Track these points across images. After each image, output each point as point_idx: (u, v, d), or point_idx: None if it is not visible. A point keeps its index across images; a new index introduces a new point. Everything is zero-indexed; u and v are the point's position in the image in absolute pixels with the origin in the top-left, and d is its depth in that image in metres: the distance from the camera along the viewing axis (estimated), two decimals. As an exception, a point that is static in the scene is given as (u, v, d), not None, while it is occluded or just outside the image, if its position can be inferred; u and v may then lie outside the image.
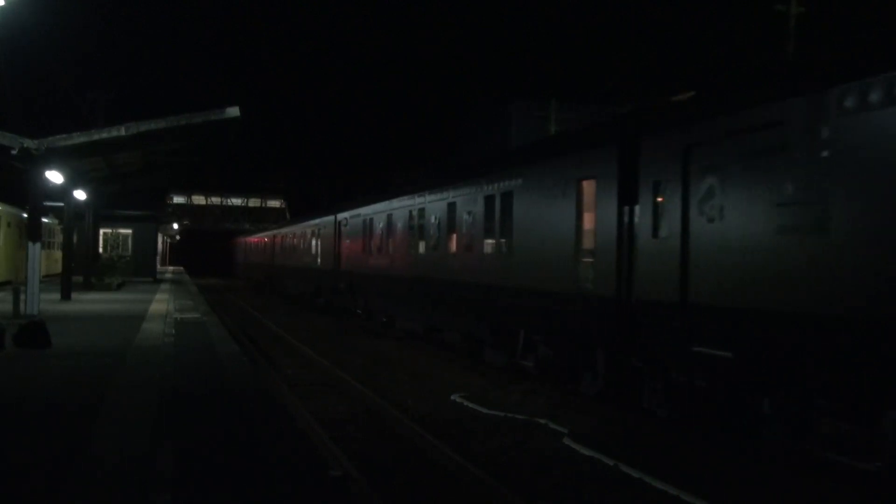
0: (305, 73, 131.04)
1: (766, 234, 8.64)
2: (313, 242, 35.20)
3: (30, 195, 19.25)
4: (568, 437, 10.40)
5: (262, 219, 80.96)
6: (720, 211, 9.41)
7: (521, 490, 8.10)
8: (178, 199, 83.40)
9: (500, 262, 15.54)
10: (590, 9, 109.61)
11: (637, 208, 11.18)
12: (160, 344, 14.20)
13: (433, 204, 19.39)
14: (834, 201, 7.81)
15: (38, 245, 18.85)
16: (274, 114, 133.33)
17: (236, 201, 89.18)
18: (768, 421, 8.94)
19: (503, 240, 15.41)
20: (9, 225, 32.99)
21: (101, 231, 37.89)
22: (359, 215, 26.97)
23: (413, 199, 21.09)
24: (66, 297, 24.85)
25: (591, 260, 12.33)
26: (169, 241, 77.11)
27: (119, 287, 32.75)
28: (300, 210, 64.60)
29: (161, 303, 25.08)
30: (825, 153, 7.95)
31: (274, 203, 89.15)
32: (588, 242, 12.48)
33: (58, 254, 34.54)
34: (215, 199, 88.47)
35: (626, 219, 11.41)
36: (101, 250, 37.39)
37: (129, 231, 43.00)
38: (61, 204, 27.83)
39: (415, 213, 20.77)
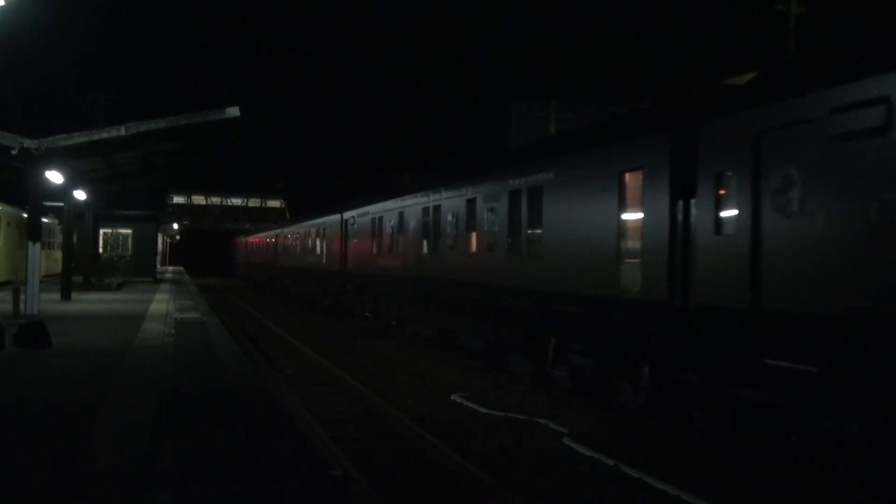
0: (305, 73, 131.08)
1: (863, 231, 7.55)
2: (318, 242, 34.39)
3: (30, 195, 19.26)
4: (568, 437, 10.40)
5: (262, 219, 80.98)
6: (801, 205, 8.28)
7: (521, 490, 8.10)
8: (178, 199, 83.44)
9: (527, 264, 14.33)
10: (590, 9, 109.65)
11: (694, 202, 10.00)
12: (160, 344, 14.20)
13: (450, 201, 18.26)
14: None
15: (38, 245, 18.85)
16: (274, 114, 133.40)
17: (236, 201, 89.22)
18: (857, 446, 7.94)
19: (531, 239, 14.22)
20: (9, 225, 33.00)
21: (101, 231, 37.89)
22: (367, 214, 25.97)
23: (427, 196, 19.95)
24: (66, 297, 24.85)
25: (636, 261, 11.14)
26: (169, 241, 77.13)
27: (119, 287, 32.75)
28: (300, 210, 64.59)
29: (161, 303, 25.08)
30: None
31: (274, 203, 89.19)
32: (633, 241, 11.34)
33: (58, 254, 34.54)
34: (215, 199, 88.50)
35: (680, 214, 10.25)
36: (101, 250, 37.39)
37: (129, 231, 43.01)
38: (61, 204, 27.84)
39: (429, 211, 19.62)
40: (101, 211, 34.75)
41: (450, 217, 18.25)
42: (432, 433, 10.41)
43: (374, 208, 25.04)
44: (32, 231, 19.16)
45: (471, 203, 16.96)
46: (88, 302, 24.38)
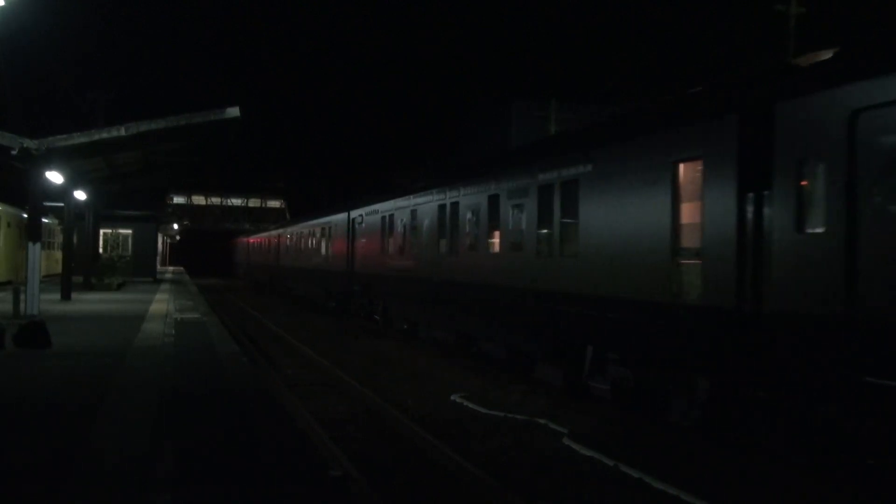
0: (305, 73, 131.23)
1: None
2: (323, 242, 33.32)
3: (30, 195, 19.26)
4: (568, 437, 10.39)
5: (262, 219, 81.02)
6: None
7: (521, 490, 8.10)
8: (178, 199, 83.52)
9: (559, 265, 13.17)
10: (590, 9, 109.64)
11: (769, 195, 8.77)
12: (160, 344, 14.20)
13: (470, 197, 17.07)
14: None
15: (38, 245, 18.85)
16: (274, 114, 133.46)
17: (236, 201, 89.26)
18: None
19: (564, 238, 13.10)
20: (9, 225, 33.01)
21: (102, 231, 37.89)
22: (376, 212, 24.79)
23: (444, 192, 18.73)
24: (66, 297, 24.85)
25: (694, 262, 9.94)
26: (169, 241, 77.13)
27: (119, 287, 32.75)
28: (301, 210, 64.55)
29: (161, 303, 25.07)
30: None
31: (274, 203, 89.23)
32: (689, 240, 10.10)
33: (58, 254, 34.55)
34: (215, 200, 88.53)
35: (750, 209, 9.03)
36: (101, 250, 37.39)
37: (129, 231, 43.02)
38: (61, 204, 27.85)
39: (446, 208, 18.42)
40: (101, 211, 34.75)
41: (469, 215, 17.18)
42: (432, 433, 10.41)
43: (385, 206, 23.94)
44: (32, 231, 19.16)
45: (493, 199, 15.83)
46: (88, 302, 24.38)
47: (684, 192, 10.27)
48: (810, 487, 8.18)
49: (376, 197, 25.94)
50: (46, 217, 32.58)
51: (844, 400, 7.80)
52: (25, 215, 27.42)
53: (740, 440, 9.39)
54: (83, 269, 31.80)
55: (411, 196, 21.33)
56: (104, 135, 18.90)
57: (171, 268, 70.70)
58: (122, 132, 18.47)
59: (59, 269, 29.76)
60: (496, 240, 15.98)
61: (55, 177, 20.59)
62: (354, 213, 27.78)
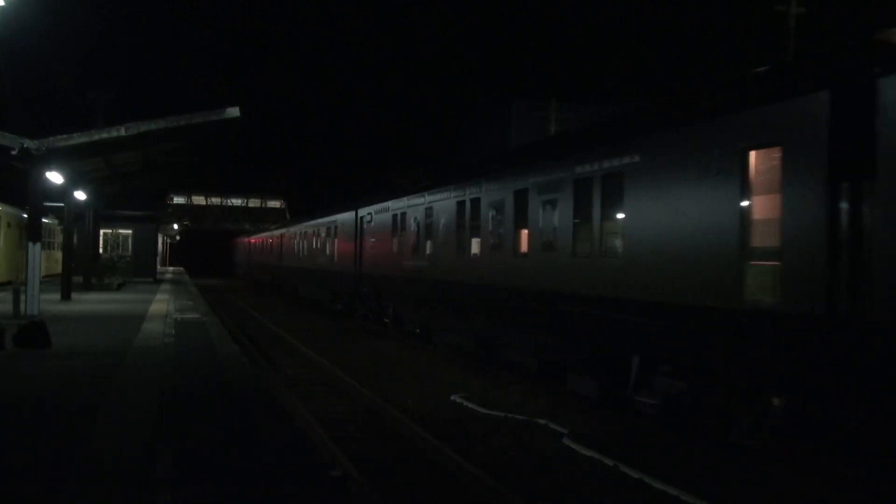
0: (305, 73, 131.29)
1: None
2: (329, 242, 32.01)
3: (30, 195, 19.26)
4: (568, 437, 10.39)
5: (262, 219, 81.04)
6: None
7: (521, 490, 8.10)
8: (178, 200, 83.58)
9: (600, 266, 11.95)
10: (590, 9, 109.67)
11: (869, 185, 7.67)
12: (160, 344, 14.20)
13: (493, 193, 15.88)
14: None
15: (38, 245, 18.86)
16: (274, 114, 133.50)
17: (236, 201, 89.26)
18: None
19: (606, 237, 12.01)
20: (9, 225, 33.01)
21: (102, 231, 37.89)
22: (387, 210, 23.54)
23: (463, 189, 17.50)
24: (66, 297, 24.85)
25: (769, 263, 8.77)
26: (169, 241, 77.15)
27: (119, 287, 32.76)
28: (300, 210, 64.54)
29: (161, 303, 25.08)
30: None
31: (274, 203, 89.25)
32: (763, 238, 8.97)
33: (58, 254, 34.55)
34: (215, 200, 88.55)
35: (844, 202, 7.88)
36: (101, 251, 37.41)
37: (129, 231, 43.02)
38: (61, 204, 27.84)
39: (466, 205, 17.24)
40: (101, 211, 34.75)
41: (492, 212, 15.95)
42: (432, 433, 10.41)
43: (397, 204, 22.63)
44: (32, 231, 19.17)
45: (520, 195, 14.60)
46: (88, 302, 24.38)
47: (756, 184, 9.09)
48: (810, 487, 8.18)
49: (387, 194, 24.76)
50: (46, 217, 32.57)
51: None
52: (25, 215, 27.42)
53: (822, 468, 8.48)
54: (83, 269, 31.80)
55: (426, 193, 20.14)
56: (104, 135, 18.92)
57: (171, 268, 70.71)
58: (122, 132, 18.48)
59: (59, 269, 29.76)
60: (523, 239, 14.68)
61: (55, 177, 20.59)
62: (363, 212, 26.64)
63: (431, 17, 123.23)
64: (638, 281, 10.90)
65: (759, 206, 9.06)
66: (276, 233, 49.39)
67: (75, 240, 30.18)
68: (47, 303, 21.32)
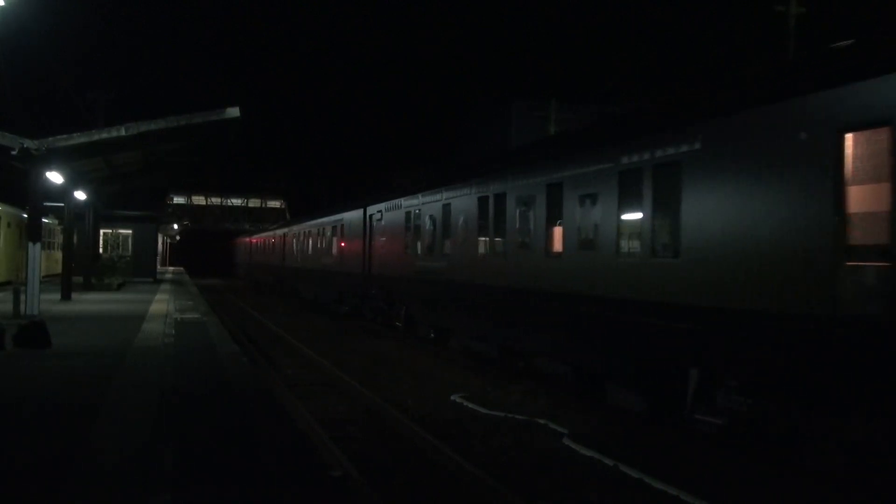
0: (305, 73, 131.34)
1: None
2: (335, 241, 30.94)
3: (30, 195, 19.27)
4: (568, 437, 10.39)
5: (262, 219, 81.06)
6: None
7: (521, 490, 8.10)
8: (178, 200, 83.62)
9: (651, 267, 10.82)
10: (590, 9, 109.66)
11: None
12: (160, 344, 14.20)
13: (520, 189, 14.72)
14: None
15: (38, 245, 18.87)
16: (274, 114, 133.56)
17: (236, 201, 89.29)
18: None
19: (658, 235, 10.86)
20: (9, 225, 33.01)
21: (102, 231, 37.91)
22: (398, 207, 22.37)
23: (486, 185, 16.29)
24: (66, 297, 24.86)
25: (874, 263, 7.59)
26: (169, 241, 77.17)
27: (119, 287, 32.77)
28: (300, 210, 64.49)
29: (161, 303, 25.08)
30: None
31: (274, 203, 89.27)
32: (865, 235, 7.76)
33: (58, 254, 34.56)
34: (215, 200, 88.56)
35: None
36: (101, 251, 37.41)
37: (129, 231, 43.04)
38: (61, 204, 27.86)
39: (489, 202, 16.07)
40: (101, 211, 34.77)
41: (520, 209, 14.80)
42: (432, 433, 10.41)
43: (410, 202, 21.42)
44: (32, 231, 19.17)
45: (553, 190, 13.48)
46: (88, 302, 24.38)
47: (855, 172, 7.83)
48: (810, 487, 8.17)
49: (400, 191, 23.47)
50: (46, 217, 32.59)
51: None
52: (25, 215, 27.42)
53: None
54: (83, 269, 31.82)
55: (443, 189, 18.90)
56: (104, 135, 18.93)
57: (171, 268, 70.74)
58: (122, 132, 18.49)
59: (59, 269, 29.77)
60: (557, 237, 13.50)
61: (55, 177, 20.60)
62: (372, 209, 25.35)
63: (431, 18, 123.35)
64: (698, 284, 9.77)
65: (858, 198, 7.82)
66: (278, 232, 48.63)
67: (75, 240, 30.19)
68: (47, 303, 21.33)
